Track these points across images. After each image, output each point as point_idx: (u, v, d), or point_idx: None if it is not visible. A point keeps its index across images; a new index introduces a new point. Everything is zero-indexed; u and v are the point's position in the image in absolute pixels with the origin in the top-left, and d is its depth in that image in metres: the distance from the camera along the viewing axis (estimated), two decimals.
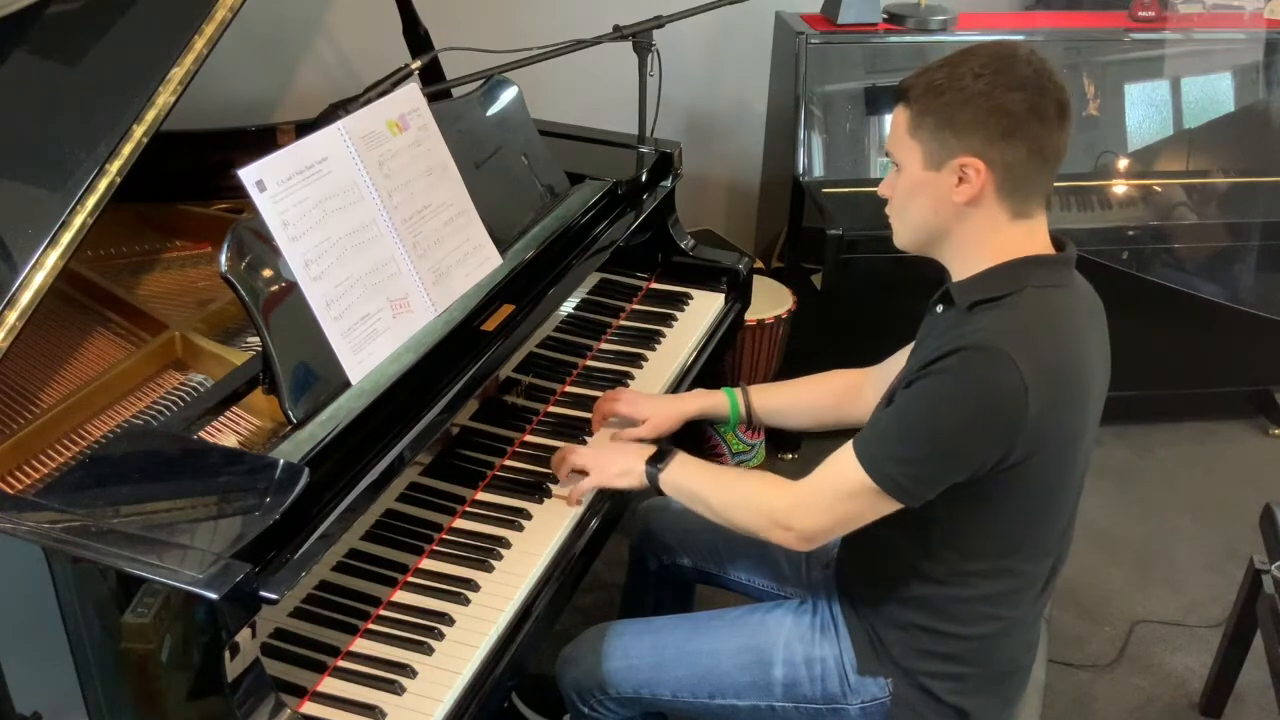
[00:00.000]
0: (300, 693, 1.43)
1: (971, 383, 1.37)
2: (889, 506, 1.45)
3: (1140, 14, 3.18)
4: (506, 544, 1.68)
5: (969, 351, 1.37)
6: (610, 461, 1.73)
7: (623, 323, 2.25)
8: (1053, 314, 1.43)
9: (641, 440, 1.89)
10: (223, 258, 1.47)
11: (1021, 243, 1.45)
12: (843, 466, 1.46)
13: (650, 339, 2.20)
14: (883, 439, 1.44)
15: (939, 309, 1.53)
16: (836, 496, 1.48)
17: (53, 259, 1.48)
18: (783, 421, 1.97)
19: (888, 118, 2.83)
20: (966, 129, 1.39)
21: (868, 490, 1.44)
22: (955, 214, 1.44)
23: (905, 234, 1.52)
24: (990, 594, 1.53)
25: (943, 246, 1.49)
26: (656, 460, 1.68)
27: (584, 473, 1.74)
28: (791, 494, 1.53)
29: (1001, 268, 1.44)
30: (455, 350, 1.70)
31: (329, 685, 1.45)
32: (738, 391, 1.92)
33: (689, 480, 1.65)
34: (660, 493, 1.69)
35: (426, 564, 1.65)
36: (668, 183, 2.34)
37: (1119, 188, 3.10)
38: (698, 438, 3.02)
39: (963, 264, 1.48)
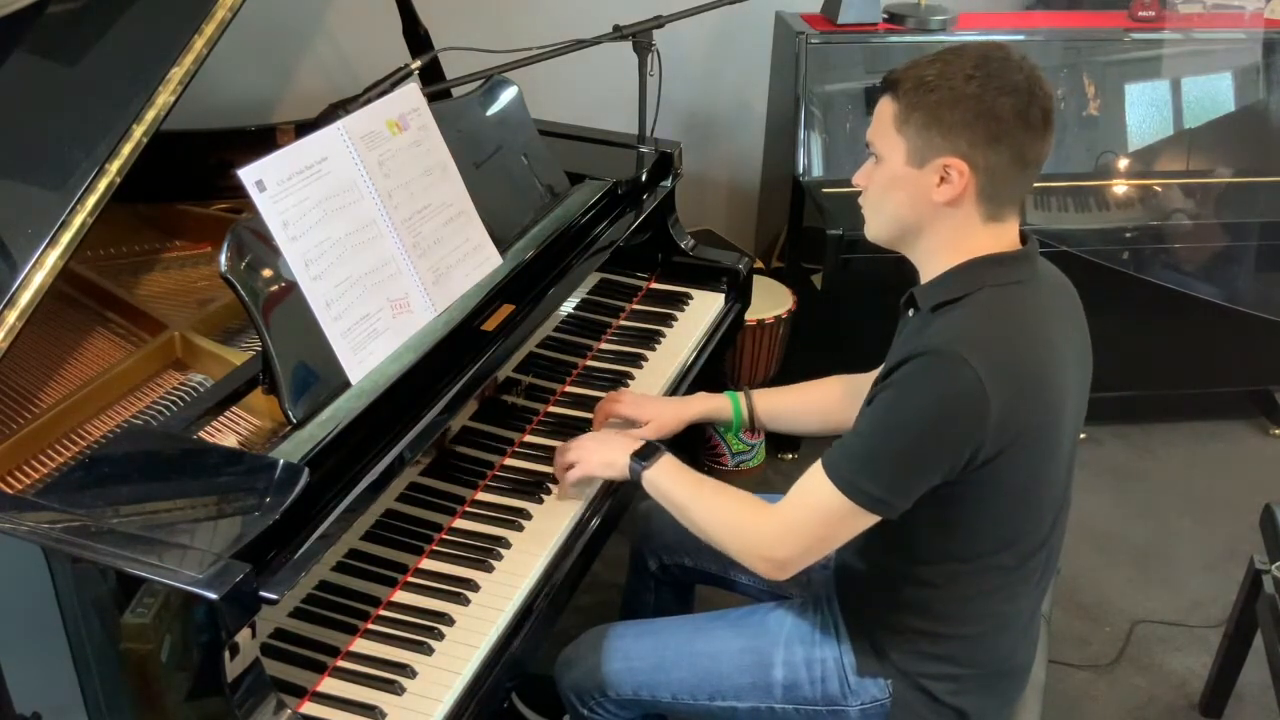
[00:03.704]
0: (300, 693, 1.43)
1: (928, 388, 1.38)
2: (866, 522, 1.45)
3: (1140, 14, 3.17)
4: (506, 544, 1.68)
5: (922, 358, 1.38)
6: (595, 451, 1.72)
7: (623, 323, 2.25)
8: (1011, 310, 1.44)
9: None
10: (223, 258, 1.47)
11: (987, 244, 1.46)
12: (816, 489, 1.46)
13: (650, 339, 2.20)
14: (852, 455, 1.44)
15: (910, 313, 1.54)
16: (813, 520, 1.47)
17: (52, 259, 1.48)
18: (785, 426, 1.97)
19: None
20: (954, 130, 1.39)
21: (844, 509, 1.43)
22: (932, 213, 1.45)
23: (877, 226, 1.53)
24: (984, 590, 1.53)
25: (914, 243, 1.51)
26: (643, 456, 1.67)
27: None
28: (771, 521, 1.52)
29: (960, 268, 1.46)
30: (455, 350, 1.70)
31: (329, 685, 1.45)
32: (740, 395, 1.92)
33: (672, 486, 1.64)
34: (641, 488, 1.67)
35: (426, 564, 1.65)
36: (668, 183, 2.34)
37: (1119, 188, 3.09)
38: (698, 438, 3.02)
39: (930, 263, 1.50)
